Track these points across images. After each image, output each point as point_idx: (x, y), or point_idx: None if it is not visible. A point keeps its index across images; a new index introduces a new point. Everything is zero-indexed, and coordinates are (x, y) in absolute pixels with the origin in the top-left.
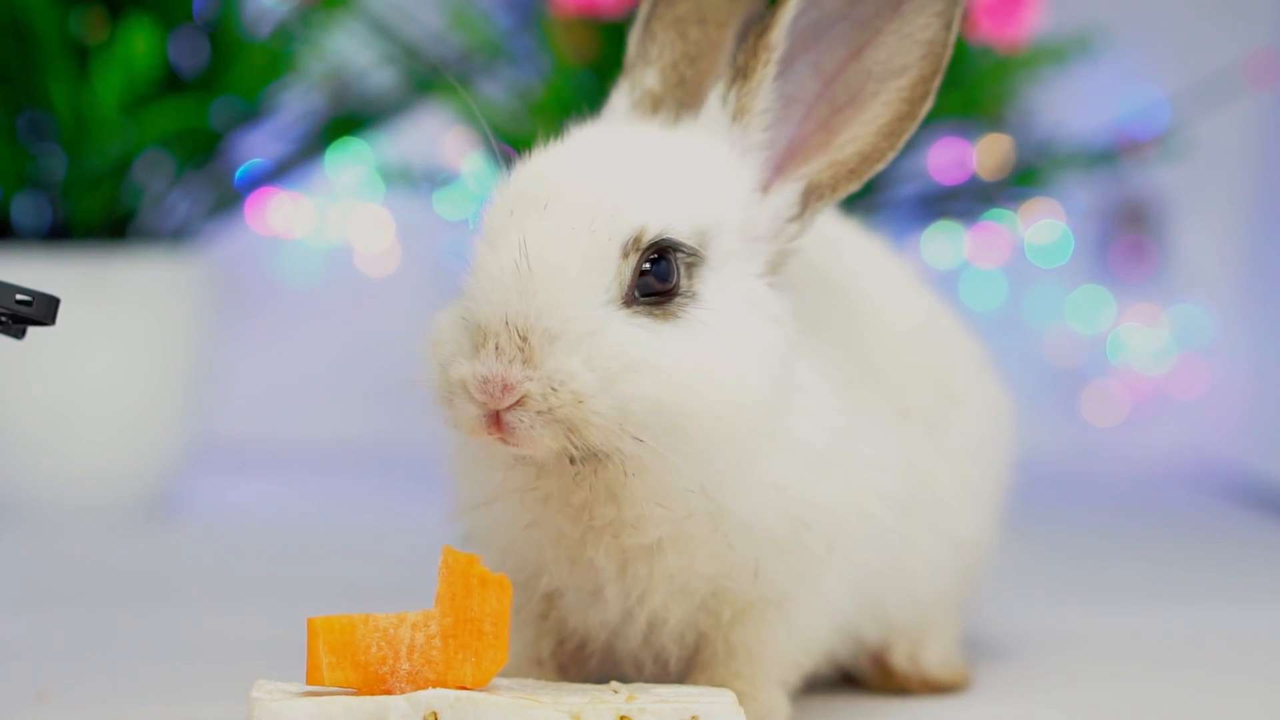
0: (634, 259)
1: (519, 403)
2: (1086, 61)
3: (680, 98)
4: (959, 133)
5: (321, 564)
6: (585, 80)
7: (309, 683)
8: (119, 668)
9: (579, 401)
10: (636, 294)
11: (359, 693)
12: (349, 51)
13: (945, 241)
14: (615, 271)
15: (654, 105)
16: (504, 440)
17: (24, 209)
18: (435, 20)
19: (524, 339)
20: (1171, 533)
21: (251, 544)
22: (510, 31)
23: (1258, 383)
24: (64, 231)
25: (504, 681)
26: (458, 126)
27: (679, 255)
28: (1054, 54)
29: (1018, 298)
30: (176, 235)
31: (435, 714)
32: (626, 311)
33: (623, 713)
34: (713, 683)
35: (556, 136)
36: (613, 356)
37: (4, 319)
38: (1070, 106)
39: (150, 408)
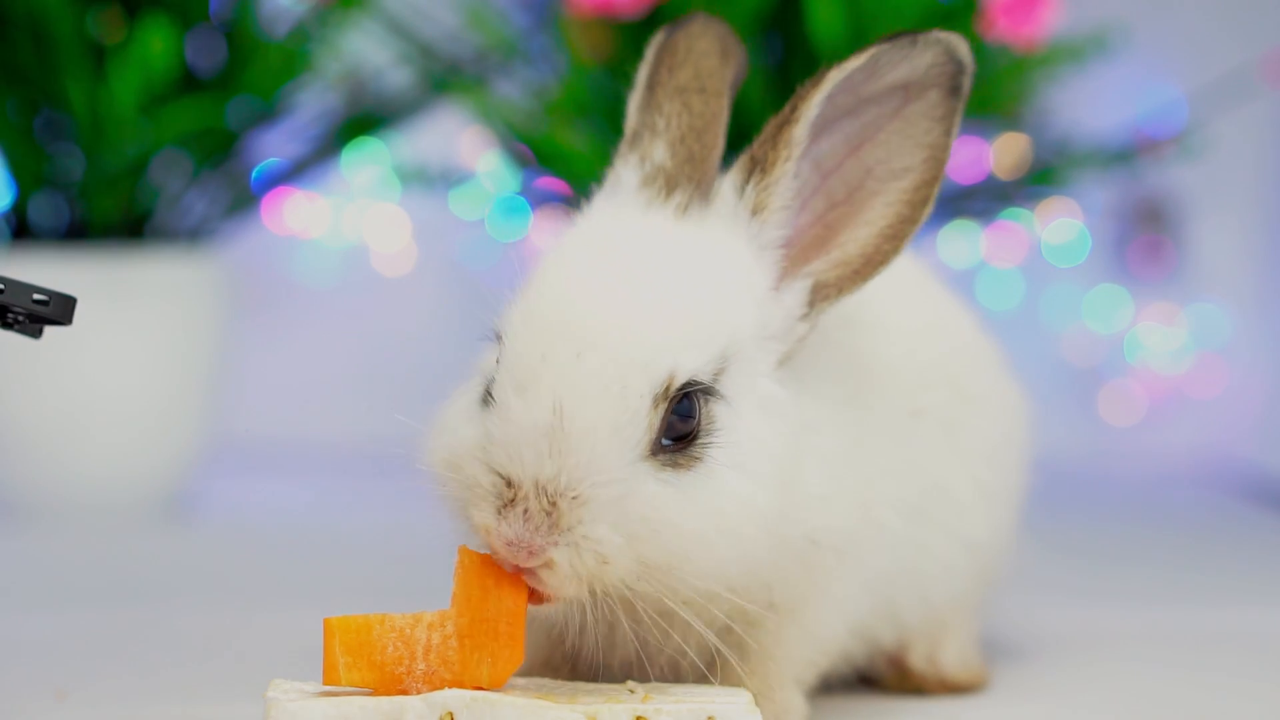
0: (663, 408)
1: (547, 564)
2: (1103, 60)
3: (690, 174)
4: (976, 132)
5: (338, 563)
6: (601, 80)
7: (325, 683)
8: (136, 666)
9: (604, 563)
10: (662, 440)
11: (375, 693)
12: (365, 51)
13: (962, 241)
14: (646, 424)
15: (667, 182)
16: (526, 581)
17: (41, 209)
18: (451, 20)
19: (553, 503)
20: (1189, 532)
21: (268, 543)
22: (526, 31)
23: (1275, 382)
24: (81, 231)
25: (519, 681)
26: (474, 126)
27: (700, 394)
28: (1071, 53)
29: (1035, 297)
30: (193, 235)
31: (451, 714)
32: (653, 464)
33: (639, 713)
34: (728, 684)
35: (575, 216)
36: (640, 519)
37: (21, 318)
38: (1087, 105)
39: (167, 407)
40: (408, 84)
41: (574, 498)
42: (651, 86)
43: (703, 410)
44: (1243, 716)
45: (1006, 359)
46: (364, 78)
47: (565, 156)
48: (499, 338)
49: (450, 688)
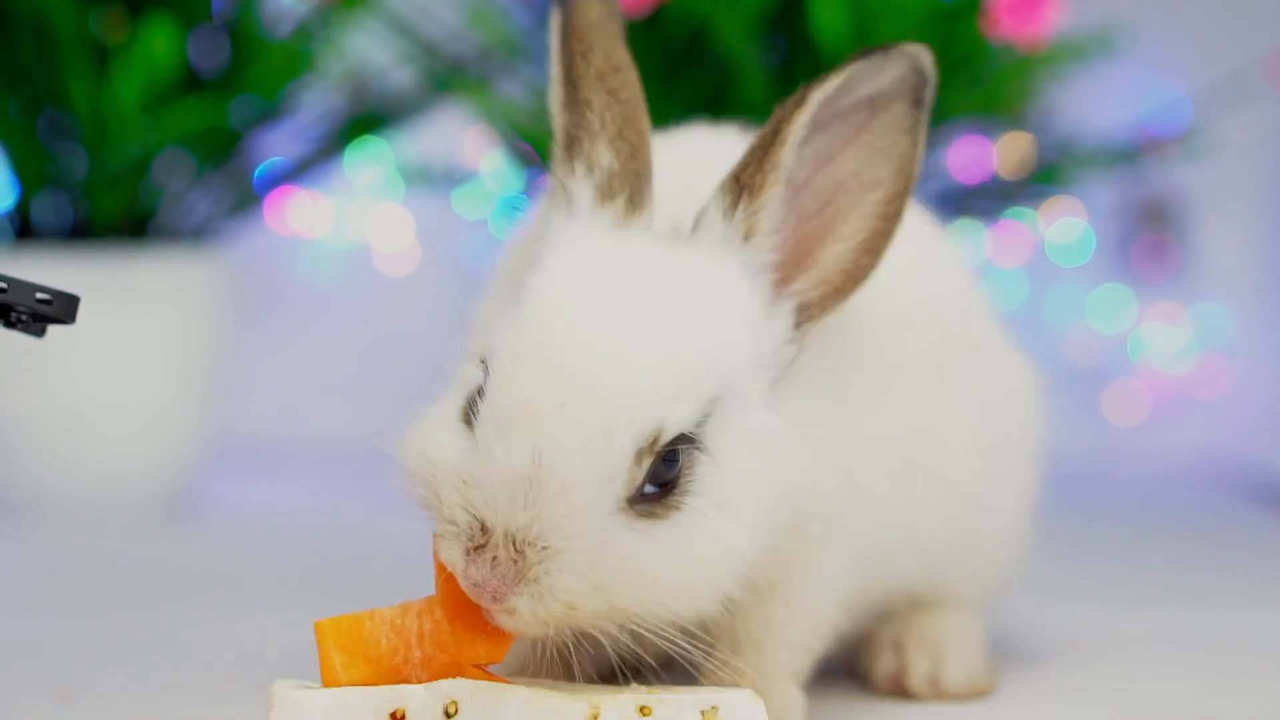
0: (647, 462)
1: (509, 613)
2: (1108, 60)
3: (633, 168)
4: (980, 131)
5: (341, 562)
6: None
7: (325, 685)
8: (139, 666)
9: (570, 609)
10: (642, 490)
11: (376, 686)
12: (368, 50)
13: (966, 240)
14: (627, 477)
15: (619, 186)
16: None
17: (44, 208)
18: (454, 19)
19: (520, 552)
20: (1193, 532)
21: (271, 543)
22: (529, 30)
23: (1279, 382)
24: (84, 231)
25: (521, 679)
26: (477, 125)
27: (688, 445)
28: (1075, 52)
29: (1039, 297)
30: (196, 234)
31: (456, 703)
32: (629, 515)
33: (642, 704)
34: (723, 684)
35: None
36: (610, 573)
37: (24, 317)
38: (1091, 105)
39: (169, 406)
40: (410, 83)
41: (544, 548)
42: (570, 80)
43: (685, 458)
44: (1246, 717)
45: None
46: (367, 77)
47: None
48: (483, 363)
49: (450, 672)
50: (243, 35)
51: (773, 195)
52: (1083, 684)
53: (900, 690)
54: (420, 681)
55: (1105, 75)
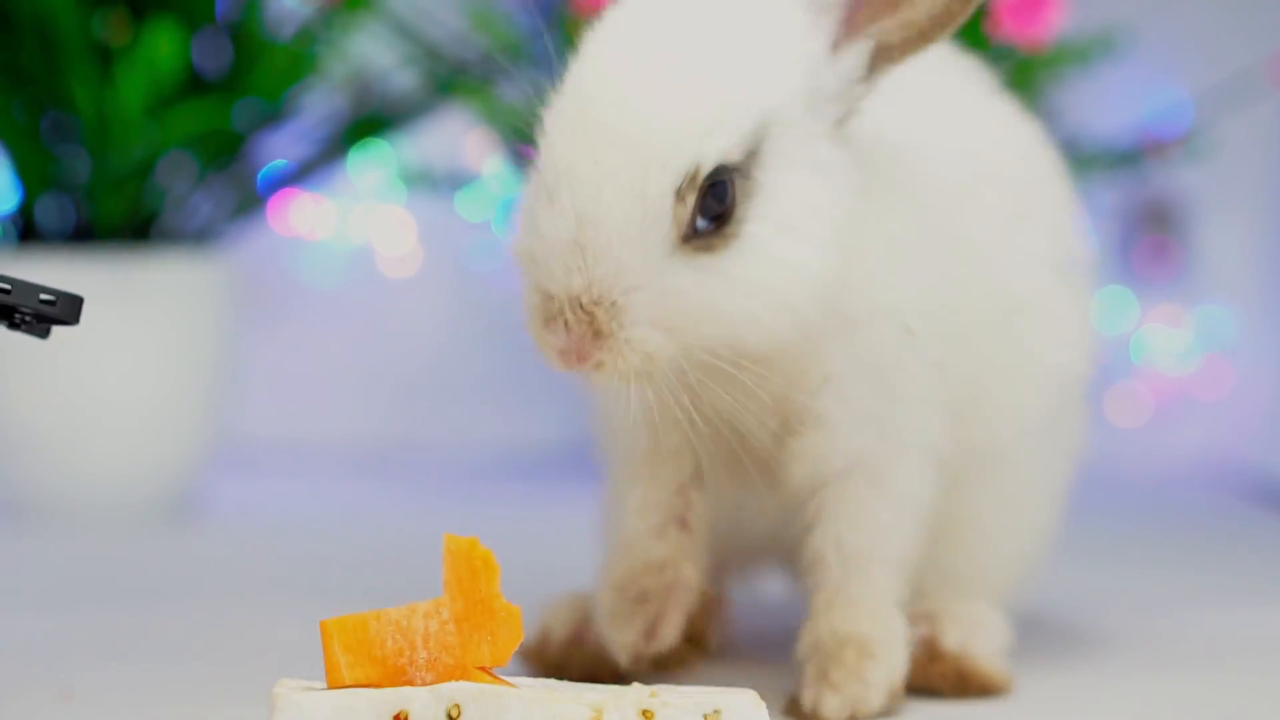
0: (691, 199)
1: (597, 367)
2: (1110, 62)
3: None
4: None
5: (344, 564)
6: None
7: (330, 686)
8: (141, 667)
9: (650, 358)
10: (695, 226)
11: (380, 687)
12: (371, 53)
13: None
14: (672, 218)
15: None
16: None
17: (47, 210)
18: (457, 22)
19: (590, 313)
20: (1195, 534)
21: (273, 544)
22: (532, 33)
23: None
24: (87, 233)
25: (525, 680)
26: (479, 128)
27: (735, 175)
28: (1077, 54)
29: None
30: (199, 237)
31: (458, 706)
32: (686, 251)
33: (645, 706)
34: (836, 633)
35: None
36: (679, 314)
37: (28, 319)
38: (1094, 107)
39: (172, 408)
40: (413, 86)
41: (610, 305)
42: None
43: (739, 188)
44: (1249, 719)
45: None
46: (370, 80)
47: None
48: (543, 129)
49: (456, 674)
50: (246, 38)
51: None
52: (1085, 686)
53: (930, 653)
54: (425, 683)
55: (1107, 77)
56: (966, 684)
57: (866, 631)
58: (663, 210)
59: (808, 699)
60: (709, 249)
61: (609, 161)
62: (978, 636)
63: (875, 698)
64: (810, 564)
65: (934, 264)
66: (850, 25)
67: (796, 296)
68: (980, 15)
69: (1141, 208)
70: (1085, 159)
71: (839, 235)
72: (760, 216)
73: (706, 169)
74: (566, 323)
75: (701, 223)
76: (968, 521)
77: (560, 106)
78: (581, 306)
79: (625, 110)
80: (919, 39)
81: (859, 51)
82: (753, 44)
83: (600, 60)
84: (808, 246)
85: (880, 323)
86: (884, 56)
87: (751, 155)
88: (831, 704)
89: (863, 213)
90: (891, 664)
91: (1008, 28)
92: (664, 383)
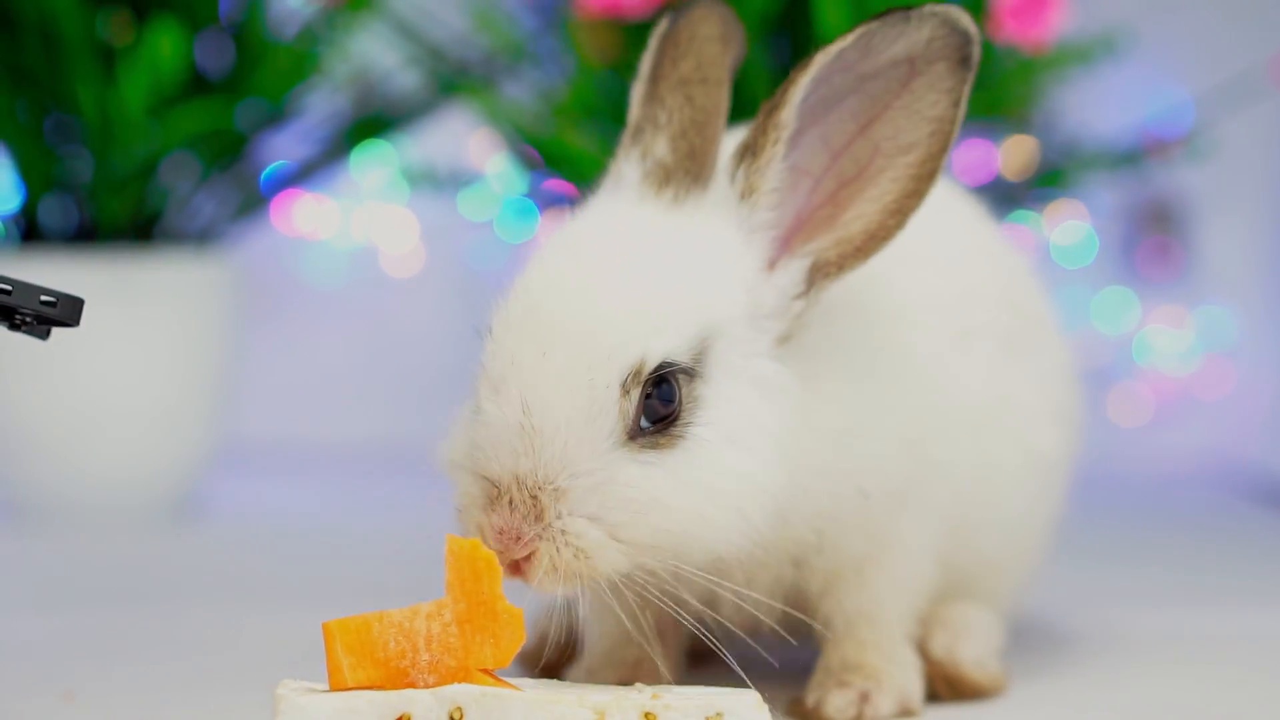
0: (636, 393)
1: (531, 557)
2: (1111, 62)
3: (690, 169)
4: (983, 133)
5: (347, 564)
6: (609, 81)
7: (332, 688)
8: (144, 668)
9: (586, 558)
10: (641, 424)
11: (383, 688)
12: (374, 53)
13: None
14: (618, 411)
15: (666, 177)
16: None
17: (50, 211)
18: (459, 22)
19: (534, 497)
20: (1197, 534)
21: (277, 544)
22: (535, 33)
23: None
24: (90, 233)
25: (528, 681)
26: (482, 128)
27: (679, 375)
28: (1079, 55)
29: None
30: (202, 237)
31: (460, 709)
32: (632, 448)
33: (647, 709)
34: (845, 661)
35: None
36: (620, 504)
37: (29, 320)
38: (1095, 107)
39: (175, 409)
40: (416, 86)
41: (554, 489)
42: (655, 78)
43: (684, 391)
44: (1251, 718)
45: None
46: (372, 80)
47: (573, 158)
48: (490, 333)
49: (458, 676)
50: (249, 38)
51: (773, 155)
52: (1087, 685)
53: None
54: (427, 685)
55: (1109, 78)
56: (956, 689)
57: (876, 663)
58: (609, 403)
59: (812, 697)
60: (655, 447)
61: (555, 354)
62: (964, 641)
63: (885, 704)
64: (819, 620)
65: (888, 432)
66: (786, 245)
67: (748, 505)
68: (981, 17)
69: (1143, 208)
70: (1087, 160)
71: (781, 452)
72: (707, 423)
73: (651, 364)
74: (511, 501)
75: (646, 423)
76: (961, 540)
77: (507, 309)
78: (526, 489)
79: (572, 307)
80: (855, 255)
81: (796, 269)
82: (693, 260)
83: (547, 268)
84: (754, 460)
85: (866, 502)
86: (821, 273)
87: (697, 360)
88: (837, 702)
89: (811, 405)
90: (904, 685)
91: (1009, 29)
92: (597, 589)
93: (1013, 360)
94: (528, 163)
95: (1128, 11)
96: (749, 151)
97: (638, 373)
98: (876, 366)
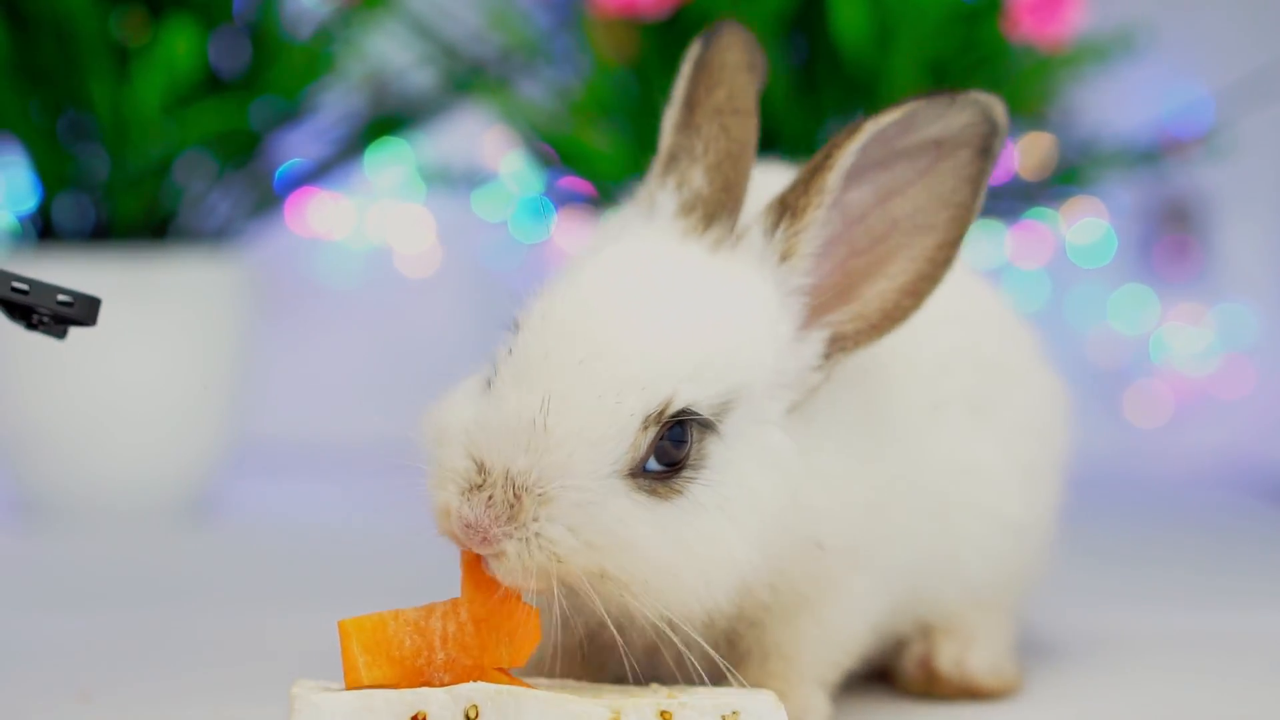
0: (653, 430)
1: (497, 557)
2: (1129, 60)
3: (725, 201)
4: None
5: (362, 564)
6: (625, 80)
7: (348, 686)
8: (160, 668)
9: (558, 561)
10: (648, 464)
11: (399, 687)
12: (388, 52)
13: (987, 241)
14: (632, 442)
15: (703, 211)
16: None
17: (65, 210)
18: (475, 20)
19: (517, 496)
20: (1215, 534)
21: (292, 544)
22: (549, 31)
23: None
24: (105, 232)
25: (543, 680)
26: (497, 127)
27: (696, 424)
28: (1096, 52)
29: (1060, 298)
30: (217, 236)
31: (476, 707)
32: (630, 484)
33: (663, 708)
34: (749, 683)
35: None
36: (601, 531)
37: (46, 319)
38: (1113, 105)
39: (190, 408)
40: (431, 85)
41: (539, 494)
42: (690, 105)
43: (696, 442)
44: (1269, 718)
45: (1042, 348)
46: (387, 78)
47: (588, 157)
48: (516, 328)
49: (474, 675)
50: (264, 36)
51: (814, 219)
52: (1104, 685)
53: (928, 674)
54: (442, 683)
55: (1126, 75)
56: (971, 696)
57: (779, 690)
58: (626, 431)
59: None
60: (653, 492)
61: (591, 363)
62: (973, 650)
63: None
64: (739, 648)
65: (853, 495)
66: (811, 313)
67: (718, 574)
68: (999, 14)
69: (1161, 207)
70: (1105, 158)
71: (765, 530)
72: (706, 484)
73: (677, 405)
74: (490, 497)
75: (653, 465)
76: (923, 597)
77: (551, 303)
78: (513, 487)
79: (618, 326)
80: (871, 331)
81: (817, 339)
82: (738, 315)
83: (596, 281)
84: (738, 534)
85: (819, 554)
86: (838, 346)
87: (717, 416)
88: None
89: (802, 481)
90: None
91: (1027, 27)
92: (559, 594)
93: (980, 423)
94: (543, 161)
95: (1146, 8)
96: (788, 211)
97: (662, 411)
98: (860, 441)
